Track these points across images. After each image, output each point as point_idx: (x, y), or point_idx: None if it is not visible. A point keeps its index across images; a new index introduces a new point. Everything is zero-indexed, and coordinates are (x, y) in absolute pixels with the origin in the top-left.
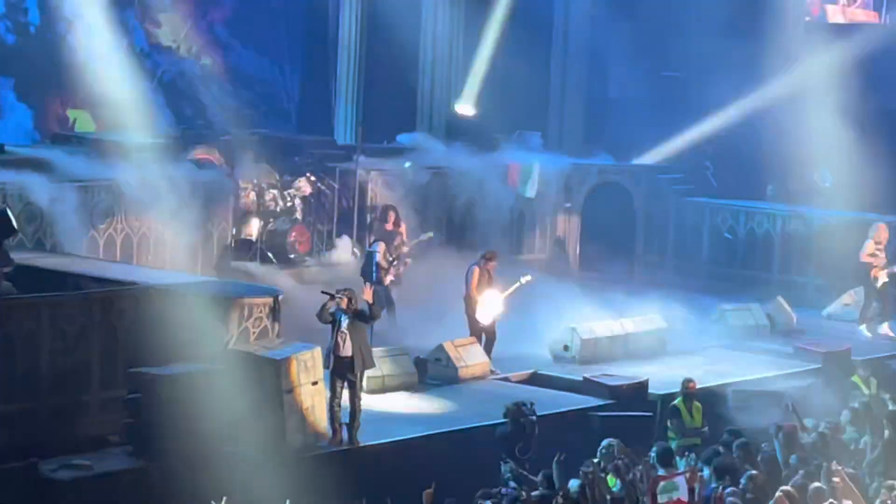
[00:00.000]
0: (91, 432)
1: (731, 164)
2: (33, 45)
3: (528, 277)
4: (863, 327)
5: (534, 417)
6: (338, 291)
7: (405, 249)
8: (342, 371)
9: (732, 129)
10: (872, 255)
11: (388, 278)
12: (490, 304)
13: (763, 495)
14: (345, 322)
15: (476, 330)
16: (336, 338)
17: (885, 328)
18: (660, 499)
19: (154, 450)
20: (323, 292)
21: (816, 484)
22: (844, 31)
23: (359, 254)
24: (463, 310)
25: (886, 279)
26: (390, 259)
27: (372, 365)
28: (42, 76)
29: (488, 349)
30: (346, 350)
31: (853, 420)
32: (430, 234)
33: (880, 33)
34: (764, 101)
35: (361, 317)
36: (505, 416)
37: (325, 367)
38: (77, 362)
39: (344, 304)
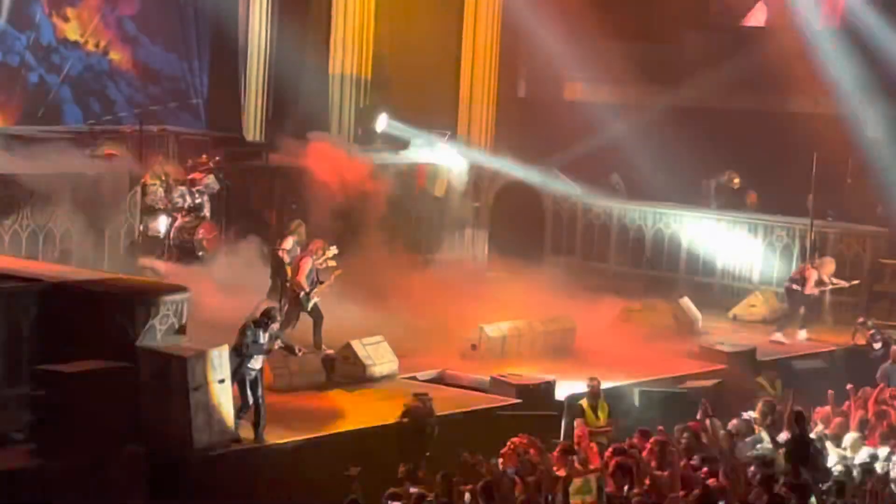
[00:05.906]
0: None
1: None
2: None
3: (338, 272)
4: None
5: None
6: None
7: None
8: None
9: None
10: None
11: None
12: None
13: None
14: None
15: (296, 312)
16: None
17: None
18: (573, 499)
19: (58, 448)
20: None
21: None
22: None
23: (265, 251)
24: None
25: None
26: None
27: None
28: None
29: (317, 330)
30: (257, 363)
31: (758, 420)
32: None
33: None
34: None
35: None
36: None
37: (234, 380)
38: None
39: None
